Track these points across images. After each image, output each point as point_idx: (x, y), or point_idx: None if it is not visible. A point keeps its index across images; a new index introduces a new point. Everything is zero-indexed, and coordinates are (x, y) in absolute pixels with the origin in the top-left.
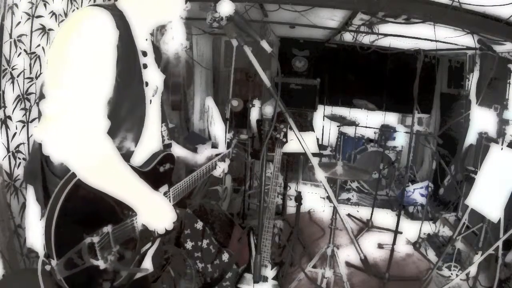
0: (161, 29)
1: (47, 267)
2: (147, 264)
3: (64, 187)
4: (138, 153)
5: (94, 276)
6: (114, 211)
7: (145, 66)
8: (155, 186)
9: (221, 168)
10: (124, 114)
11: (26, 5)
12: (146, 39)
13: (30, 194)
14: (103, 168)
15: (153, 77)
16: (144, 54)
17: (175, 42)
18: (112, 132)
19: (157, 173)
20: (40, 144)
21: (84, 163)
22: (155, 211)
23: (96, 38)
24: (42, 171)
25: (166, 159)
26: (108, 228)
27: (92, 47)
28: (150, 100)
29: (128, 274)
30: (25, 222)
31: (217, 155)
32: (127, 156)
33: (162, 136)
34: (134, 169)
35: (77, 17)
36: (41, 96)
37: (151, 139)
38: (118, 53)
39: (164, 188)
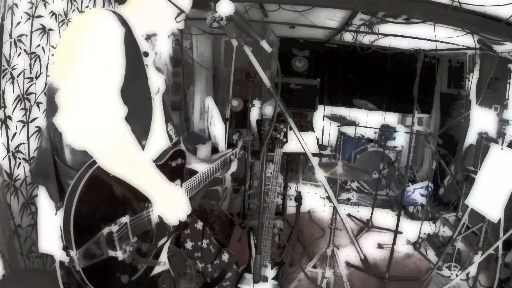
0: (148, 39)
1: (66, 259)
2: (163, 259)
3: (81, 177)
4: (147, 151)
5: (112, 269)
6: (131, 202)
7: (147, 66)
8: (169, 179)
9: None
10: (132, 106)
11: (26, 5)
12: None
13: (42, 195)
14: (121, 153)
15: (154, 78)
16: (145, 54)
17: (156, 56)
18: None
19: (169, 168)
20: (49, 142)
21: (104, 149)
22: (169, 201)
23: (105, 32)
24: (55, 165)
25: (177, 154)
26: (125, 219)
27: (102, 39)
28: (153, 98)
29: (145, 268)
30: (37, 228)
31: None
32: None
33: (170, 135)
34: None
35: (85, 17)
36: (51, 93)
37: (157, 138)
38: (125, 48)
39: (177, 183)
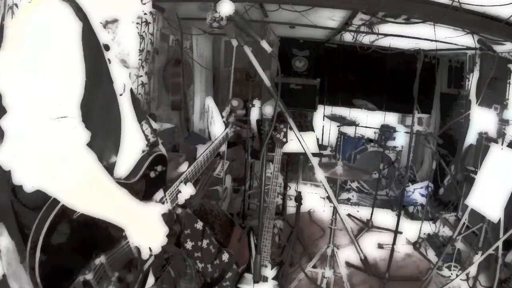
0: (106, 27)
1: None
2: (152, 279)
3: (42, 222)
4: (121, 161)
5: None
6: (106, 235)
7: (109, 61)
8: (149, 194)
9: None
10: (97, 119)
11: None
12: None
13: (4, 234)
14: (87, 187)
15: (119, 73)
16: (106, 48)
17: (120, 47)
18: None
19: (148, 180)
20: (6, 173)
21: (66, 185)
22: (146, 230)
23: (57, 32)
24: (12, 205)
25: (156, 161)
26: (101, 259)
27: (54, 42)
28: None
29: None
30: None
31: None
32: (109, 168)
33: (146, 135)
34: (121, 183)
35: (31, 11)
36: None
37: (132, 141)
38: (83, 47)
39: (160, 193)
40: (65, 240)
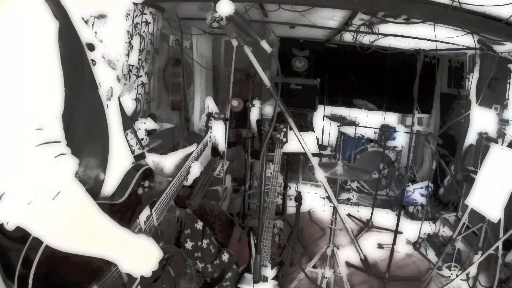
0: (90, 22)
1: None
2: None
3: (31, 255)
4: (109, 178)
5: None
6: (97, 263)
7: (93, 62)
8: (135, 213)
9: (194, 171)
10: (81, 134)
11: None
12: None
13: None
14: (76, 226)
15: (105, 76)
16: (91, 47)
17: (108, 47)
18: None
19: (136, 198)
20: None
21: (51, 224)
22: (138, 257)
23: (29, 35)
24: None
25: (144, 176)
26: None
27: (24, 50)
28: (107, 105)
29: None
30: None
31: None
32: (96, 187)
33: (131, 146)
34: (108, 205)
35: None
36: None
37: (117, 153)
38: (60, 51)
39: (146, 211)
40: (57, 273)
